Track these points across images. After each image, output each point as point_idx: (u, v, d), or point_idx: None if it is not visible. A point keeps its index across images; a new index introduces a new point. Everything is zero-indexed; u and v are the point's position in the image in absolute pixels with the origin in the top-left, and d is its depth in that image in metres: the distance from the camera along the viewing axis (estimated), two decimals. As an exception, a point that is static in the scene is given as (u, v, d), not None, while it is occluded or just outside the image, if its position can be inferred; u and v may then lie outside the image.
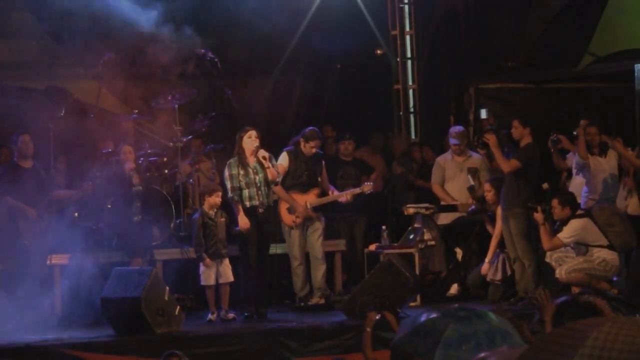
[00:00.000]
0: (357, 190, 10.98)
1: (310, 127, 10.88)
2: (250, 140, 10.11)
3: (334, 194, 10.98)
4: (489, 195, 10.93)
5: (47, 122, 11.23)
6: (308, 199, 10.79)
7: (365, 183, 11.12)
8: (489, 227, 11.12)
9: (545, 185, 10.55)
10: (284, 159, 10.72)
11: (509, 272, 10.71)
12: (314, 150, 10.78)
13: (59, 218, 10.57)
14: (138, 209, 10.89)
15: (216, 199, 10.22)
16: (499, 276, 10.79)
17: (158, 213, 11.13)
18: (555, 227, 10.29)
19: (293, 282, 10.80)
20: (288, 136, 11.70)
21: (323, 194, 10.94)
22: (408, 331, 4.33)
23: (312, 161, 10.84)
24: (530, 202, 10.20)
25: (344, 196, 10.95)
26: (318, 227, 10.80)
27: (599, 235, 10.16)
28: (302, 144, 10.75)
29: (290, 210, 10.77)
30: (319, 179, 10.92)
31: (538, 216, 10.09)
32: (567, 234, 10.08)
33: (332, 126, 12.96)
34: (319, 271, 10.72)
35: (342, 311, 9.89)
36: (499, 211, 10.71)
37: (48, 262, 10.53)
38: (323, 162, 11.01)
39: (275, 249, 10.79)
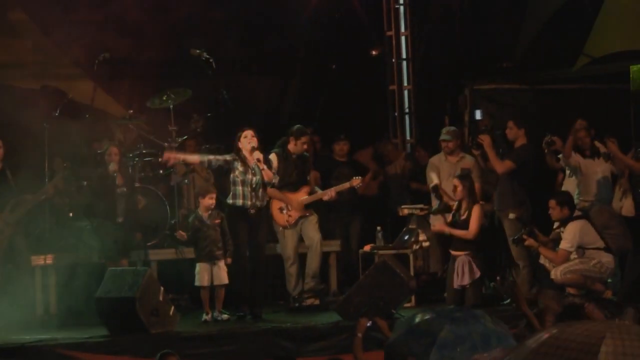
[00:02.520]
0: (346, 185, 10.90)
1: (297, 125, 10.85)
2: (246, 139, 10.10)
3: (319, 192, 10.93)
4: (458, 190, 10.60)
5: (41, 122, 11.18)
6: (299, 197, 10.78)
7: (354, 178, 11.03)
8: (435, 227, 10.96)
9: (511, 216, 10.43)
10: (273, 161, 10.69)
11: (477, 275, 10.34)
12: (305, 146, 10.78)
13: (54, 218, 10.55)
14: (122, 210, 10.87)
15: (209, 200, 10.19)
16: (466, 280, 10.31)
17: (152, 213, 11.12)
18: (555, 227, 10.27)
19: (286, 282, 10.78)
20: (283, 136, 11.67)
21: (312, 192, 10.92)
22: (403, 332, 4.33)
23: (300, 161, 10.83)
24: (516, 236, 10.15)
25: (328, 194, 10.88)
26: (312, 219, 10.79)
27: (596, 238, 10.13)
28: (293, 142, 10.74)
29: (282, 210, 10.76)
30: (308, 178, 10.92)
31: (530, 243, 10.05)
32: (568, 242, 10.01)
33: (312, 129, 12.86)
34: (315, 261, 10.68)
35: (337, 312, 9.86)
36: (477, 208, 10.58)
37: (42, 262, 10.50)
38: (310, 163, 11.02)
39: (268, 249, 10.75)
